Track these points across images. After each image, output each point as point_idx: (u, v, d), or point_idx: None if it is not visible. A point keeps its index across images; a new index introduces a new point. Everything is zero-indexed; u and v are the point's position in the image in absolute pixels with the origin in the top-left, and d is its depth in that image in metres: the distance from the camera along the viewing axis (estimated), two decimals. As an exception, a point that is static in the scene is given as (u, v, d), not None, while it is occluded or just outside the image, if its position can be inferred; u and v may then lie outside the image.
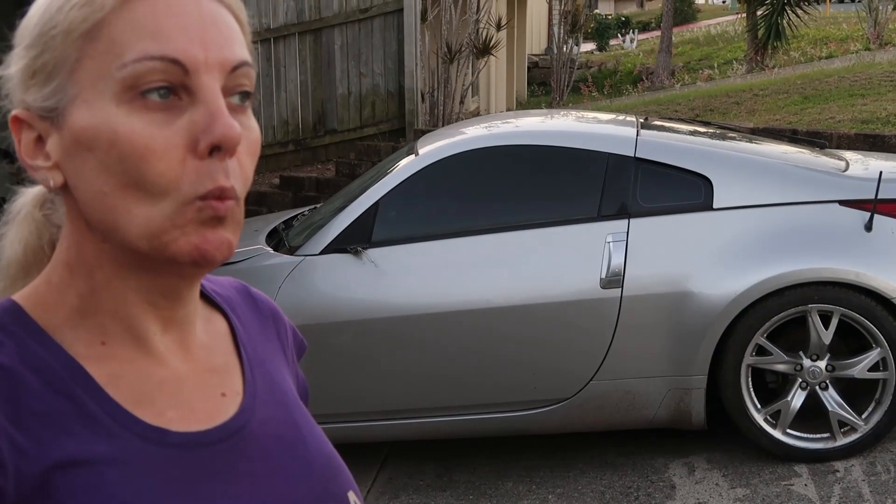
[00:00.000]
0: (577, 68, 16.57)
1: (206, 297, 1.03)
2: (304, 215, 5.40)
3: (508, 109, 16.25)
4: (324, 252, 4.43)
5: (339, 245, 4.42)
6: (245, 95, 0.89)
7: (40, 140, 0.87)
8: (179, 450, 0.88)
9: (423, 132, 7.68)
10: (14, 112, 0.88)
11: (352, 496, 1.00)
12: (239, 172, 0.87)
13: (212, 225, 0.85)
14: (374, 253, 4.39)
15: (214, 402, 0.95)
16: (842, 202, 4.28)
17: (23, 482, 0.81)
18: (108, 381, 0.88)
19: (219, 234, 0.86)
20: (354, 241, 4.41)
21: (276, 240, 4.85)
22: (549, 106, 14.70)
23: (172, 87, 0.84)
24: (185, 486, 0.87)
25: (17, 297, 0.91)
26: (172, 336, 0.94)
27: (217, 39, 0.86)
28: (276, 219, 5.48)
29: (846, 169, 4.56)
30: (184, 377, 0.93)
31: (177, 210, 0.84)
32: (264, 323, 1.09)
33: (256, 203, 8.08)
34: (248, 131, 0.88)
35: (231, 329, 1.03)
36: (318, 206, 5.60)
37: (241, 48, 0.89)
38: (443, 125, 9.17)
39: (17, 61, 0.88)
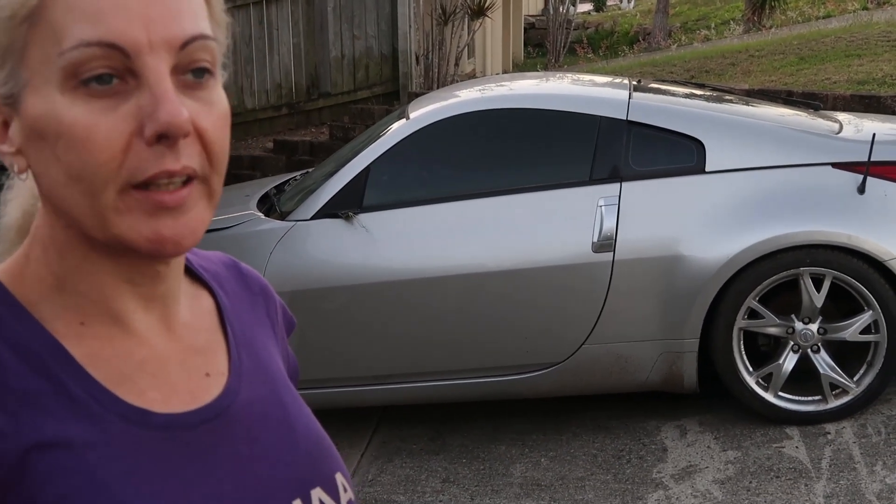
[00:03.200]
0: (574, 29, 16.46)
1: (192, 272, 1.00)
2: (295, 180, 5.38)
3: (504, 71, 16.15)
4: (315, 217, 4.41)
5: (331, 210, 4.40)
6: (206, 71, 0.85)
7: (7, 125, 0.85)
8: (161, 431, 0.87)
9: (418, 95, 7.63)
10: None
11: (339, 478, 0.99)
12: (199, 151, 0.83)
13: (168, 216, 0.82)
14: (365, 218, 4.37)
15: (198, 383, 0.93)
16: (835, 165, 4.26)
17: (0, 464, 0.79)
18: (89, 361, 0.86)
19: (177, 225, 0.83)
20: (345, 206, 4.39)
21: (268, 205, 4.83)
22: (545, 68, 14.62)
23: (116, 71, 0.80)
24: (166, 468, 0.85)
25: None
26: (155, 314, 0.92)
27: (162, 16, 0.81)
28: (269, 183, 5.45)
29: (839, 131, 4.53)
30: (166, 357, 0.92)
31: (117, 198, 0.81)
32: (253, 300, 1.06)
33: (250, 167, 8.05)
34: (210, 107, 0.84)
35: (217, 306, 1.00)
36: (311, 170, 5.57)
37: (193, 21, 0.83)
38: (438, 88, 9.12)
39: None
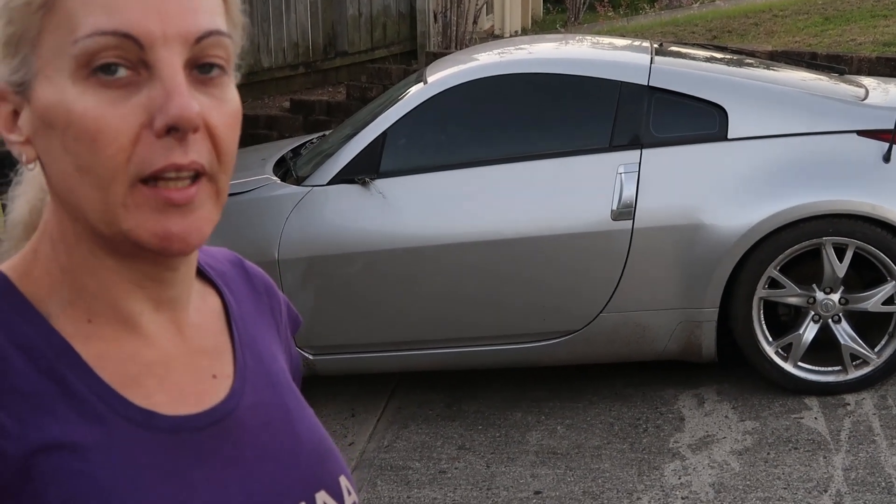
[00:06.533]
0: (594, -15, 16.22)
1: (199, 271, 0.99)
2: (312, 143, 5.33)
3: (523, 29, 15.98)
4: (331, 182, 4.38)
5: (347, 175, 4.36)
6: (218, 68, 0.84)
7: (16, 114, 0.85)
8: (167, 434, 0.86)
9: (436, 54, 7.55)
10: None
11: (343, 480, 0.98)
12: (209, 147, 0.82)
13: (177, 213, 0.81)
14: (381, 183, 4.33)
15: (204, 385, 0.92)
16: (860, 132, 4.19)
17: (5, 465, 0.78)
18: (96, 361, 0.85)
19: (185, 223, 0.82)
20: (362, 171, 4.35)
21: (284, 169, 4.80)
22: (564, 26, 14.46)
23: (129, 62, 0.79)
24: (171, 471, 0.85)
25: (6, 267, 0.88)
26: (164, 315, 0.91)
27: (178, 9, 0.80)
28: (285, 146, 5.41)
29: (865, 97, 4.45)
30: (173, 359, 0.91)
31: (126, 192, 0.80)
32: (258, 299, 1.06)
33: (267, 127, 8.00)
34: (221, 104, 0.84)
35: (224, 306, 1.00)
36: (327, 133, 5.53)
37: (209, 17, 0.83)
38: (456, 46, 9.02)
39: None
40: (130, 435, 0.84)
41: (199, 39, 0.82)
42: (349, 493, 0.98)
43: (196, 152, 0.81)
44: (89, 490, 0.80)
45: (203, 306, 0.97)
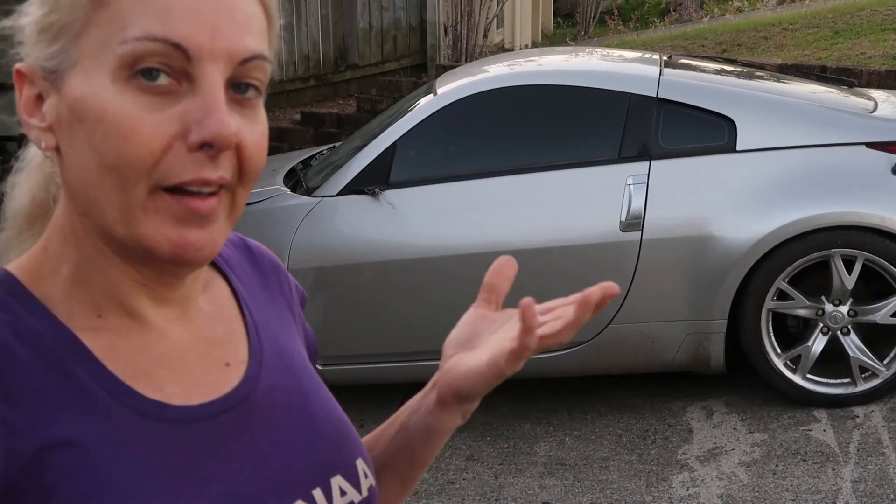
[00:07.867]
0: None
1: None
2: (322, 154, 5.36)
3: (533, 42, 16.02)
4: (341, 193, 4.39)
5: (357, 186, 4.38)
6: (255, 89, 0.85)
7: (40, 98, 0.85)
8: (179, 425, 0.85)
9: (446, 67, 7.58)
10: (18, 65, 0.86)
11: (360, 463, 0.97)
12: (234, 163, 0.83)
13: (195, 223, 0.82)
14: (391, 194, 4.35)
15: (217, 374, 0.92)
16: (869, 144, 4.19)
17: (14, 461, 0.78)
18: (106, 355, 0.85)
19: (202, 234, 0.82)
20: (372, 182, 4.37)
21: (294, 180, 4.82)
22: (574, 39, 14.49)
23: (173, 71, 0.80)
24: (183, 462, 0.84)
25: (13, 266, 0.88)
26: (173, 311, 0.91)
27: (229, 28, 0.81)
28: (295, 158, 5.44)
29: (874, 109, 4.45)
30: (185, 349, 0.90)
31: (147, 197, 0.80)
32: (266, 278, 1.05)
33: (278, 139, 8.03)
34: (253, 125, 0.85)
35: (233, 291, 0.99)
36: (337, 145, 5.55)
37: (256, 40, 0.84)
38: (466, 59, 9.05)
39: (29, 14, 0.85)
40: (140, 428, 0.83)
41: (245, 61, 0.82)
42: (366, 477, 0.97)
43: (224, 168, 0.82)
44: (99, 486, 0.79)
45: (212, 294, 0.97)
